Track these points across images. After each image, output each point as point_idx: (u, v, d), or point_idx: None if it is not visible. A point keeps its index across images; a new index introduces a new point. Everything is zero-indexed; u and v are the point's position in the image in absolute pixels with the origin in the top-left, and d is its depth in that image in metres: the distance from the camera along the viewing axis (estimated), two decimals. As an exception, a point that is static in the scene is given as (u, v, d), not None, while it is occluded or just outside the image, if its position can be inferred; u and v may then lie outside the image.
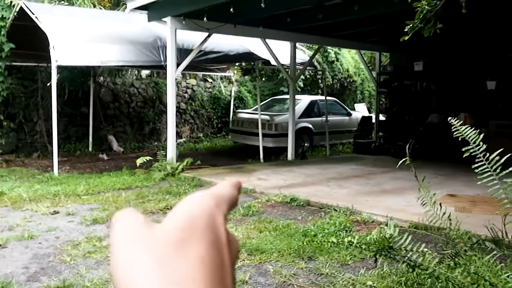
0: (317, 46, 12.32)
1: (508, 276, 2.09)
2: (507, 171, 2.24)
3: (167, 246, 0.34)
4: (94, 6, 12.07)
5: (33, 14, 8.29)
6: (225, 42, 10.22)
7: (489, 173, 2.28)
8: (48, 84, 8.61)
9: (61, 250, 4.58)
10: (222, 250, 0.35)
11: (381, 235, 2.40)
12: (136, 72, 13.91)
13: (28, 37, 9.41)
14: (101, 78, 12.68)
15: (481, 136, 2.37)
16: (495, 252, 2.40)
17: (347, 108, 14.25)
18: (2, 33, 9.58)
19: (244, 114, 12.40)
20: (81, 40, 8.70)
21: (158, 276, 0.32)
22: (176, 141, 9.67)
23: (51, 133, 8.68)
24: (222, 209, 0.37)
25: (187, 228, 0.34)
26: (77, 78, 11.53)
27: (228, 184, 0.40)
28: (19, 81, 11.15)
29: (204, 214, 0.36)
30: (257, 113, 10.91)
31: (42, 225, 5.41)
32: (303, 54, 13.02)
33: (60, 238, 4.98)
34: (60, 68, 9.04)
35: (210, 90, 15.31)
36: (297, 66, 11.11)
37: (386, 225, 3.11)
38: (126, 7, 9.80)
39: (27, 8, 8.40)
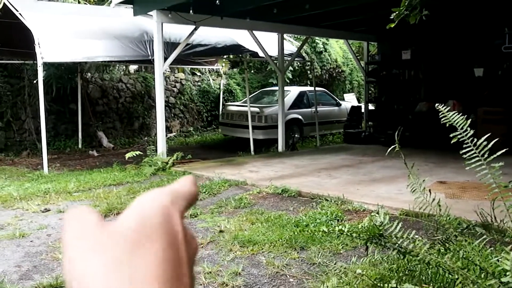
0: (304, 37, 12.30)
1: (497, 260, 2.12)
2: (494, 155, 2.26)
3: (122, 248, 0.33)
4: (79, 2, 11.95)
5: (17, 10, 8.17)
6: (213, 34, 10.17)
7: (477, 158, 2.29)
8: (35, 82, 8.52)
9: (53, 247, 4.56)
10: (178, 248, 0.34)
11: (372, 223, 2.41)
12: (124, 67, 13.81)
13: (13, 34, 9.29)
14: (89, 74, 12.57)
15: (469, 121, 2.38)
16: (484, 236, 2.42)
17: (336, 99, 14.28)
18: (-14, 31, 9.45)
19: (233, 107, 12.37)
20: (66, 36, 8.61)
21: (114, 280, 0.31)
22: (166, 136, 9.63)
23: (40, 131, 8.60)
24: (178, 206, 0.36)
25: (142, 228, 0.34)
26: (64, 74, 11.41)
27: (187, 180, 0.40)
28: (5, 79, 11.03)
29: (158, 213, 0.35)
30: (246, 106, 10.88)
31: (34, 223, 5.38)
32: (291, 45, 13.00)
33: (52, 235, 4.95)
34: (47, 65, 8.95)
35: (199, 83, 15.25)
36: (285, 58, 11.08)
37: (377, 213, 3.13)
38: (111, 2, 9.70)
39: (11, 4, 8.27)
